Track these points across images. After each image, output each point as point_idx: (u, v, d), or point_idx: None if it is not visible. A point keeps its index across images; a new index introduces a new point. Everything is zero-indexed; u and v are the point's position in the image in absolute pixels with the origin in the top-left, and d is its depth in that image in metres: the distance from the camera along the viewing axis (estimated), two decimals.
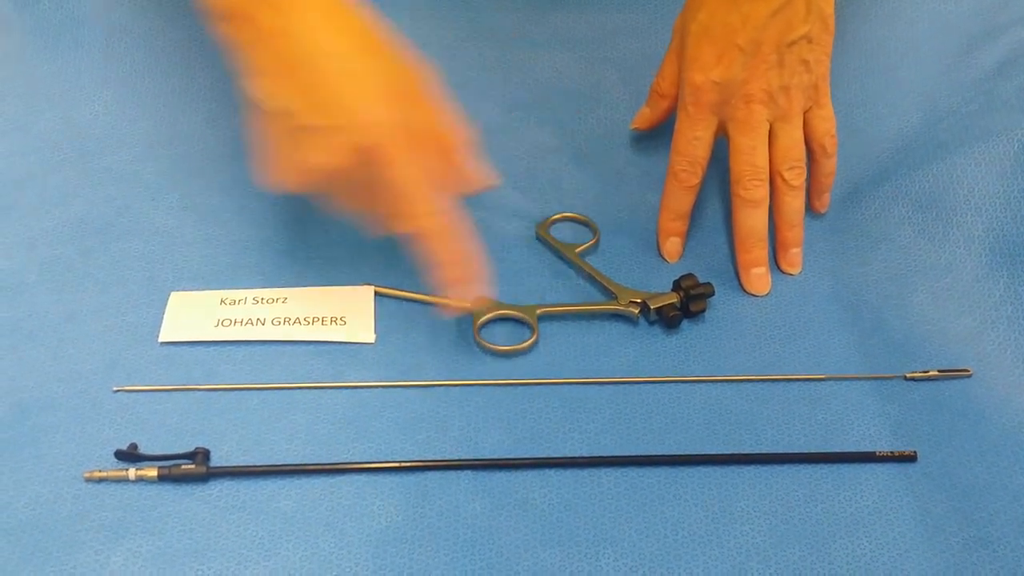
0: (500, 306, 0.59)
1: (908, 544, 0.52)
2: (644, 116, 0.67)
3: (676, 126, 0.62)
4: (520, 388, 0.57)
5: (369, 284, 0.61)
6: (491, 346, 0.58)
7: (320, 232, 0.64)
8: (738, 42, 0.59)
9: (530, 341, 0.58)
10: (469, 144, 0.55)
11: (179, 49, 0.71)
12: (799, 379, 0.58)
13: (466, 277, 0.54)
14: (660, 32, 0.73)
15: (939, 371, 0.58)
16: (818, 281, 0.63)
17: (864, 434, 0.56)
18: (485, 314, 0.59)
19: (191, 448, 0.52)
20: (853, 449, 0.55)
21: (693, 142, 0.61)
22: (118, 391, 0.55)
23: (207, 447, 0.53)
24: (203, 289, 0.60)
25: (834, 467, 0.55)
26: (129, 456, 0.52)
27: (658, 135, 0.70)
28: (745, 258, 0.62)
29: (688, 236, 0.65)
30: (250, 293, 0.60)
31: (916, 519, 0.53)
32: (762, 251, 0.62)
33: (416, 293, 0.60)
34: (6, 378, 0.56)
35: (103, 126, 0.68)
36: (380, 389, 0.56)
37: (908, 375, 0.58)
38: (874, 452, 0.55)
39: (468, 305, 0.58)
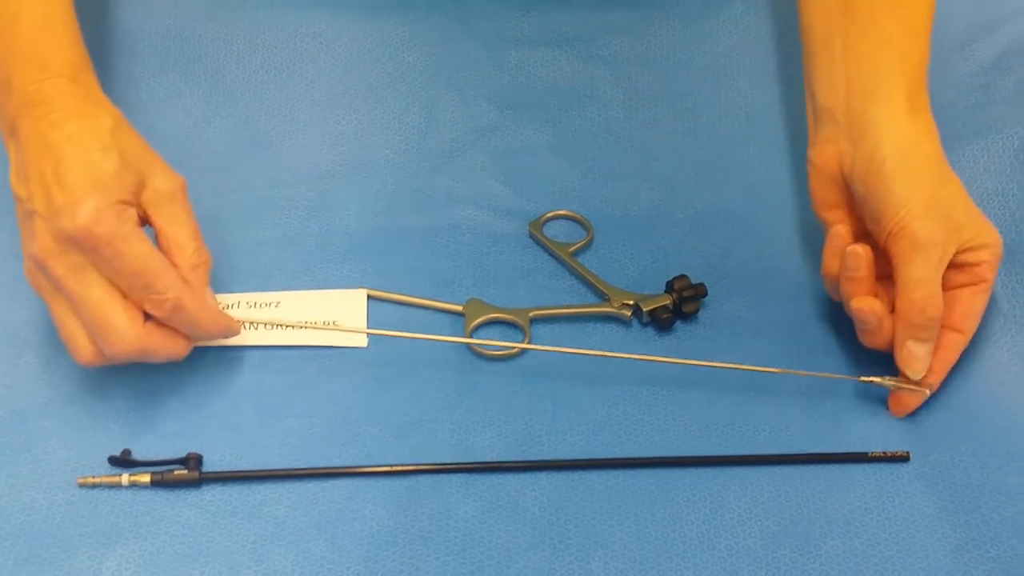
0: (493, 309, 0.59)
1: (900, 545, 0.52)
2: (928, 355, 0.56)
3: (983, 300, 0.56)
4: (512, 391, 0.57)
5: (362, 287, 0.61)
6: (483, 350, 0.58)
7: (314, 234, 0.64)
8: (946, 194, 0.55)
9: (522, 345, 0.58)
10: (198, 267, 0.53)
11: (169, 52, 0.71)
12: (791, 376, 0.58)
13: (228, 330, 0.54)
14: (652, 30, 0.73)
15: (892, 379, 0.56)
16: (811, 281, 0.63)
17: (857, 434, 0.56)
18: (477, 317, 0.59)
19: (184, 453, 0.53)
20: (846, 449, 0.55)
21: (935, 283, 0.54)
22: (112, 396, 0.55)
23: (200, 452, 0.53)
24: None
25: (826, 468, 0.55)
26: (122, 462, 0.52)
27: (650, 134, 0.69)
28: None
29: (683, 235, 0.65)
30: (243, 297, 0.60)
31: (909, 520, 0.53)
32: None
33: (409, 296, 0.60)
34: (1, 384, 0.56)
35: None
36: (372, 393, 0.56)
37: (861, 378, 0.57)
38: (867, 452, 0.55)
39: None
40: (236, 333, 0.55)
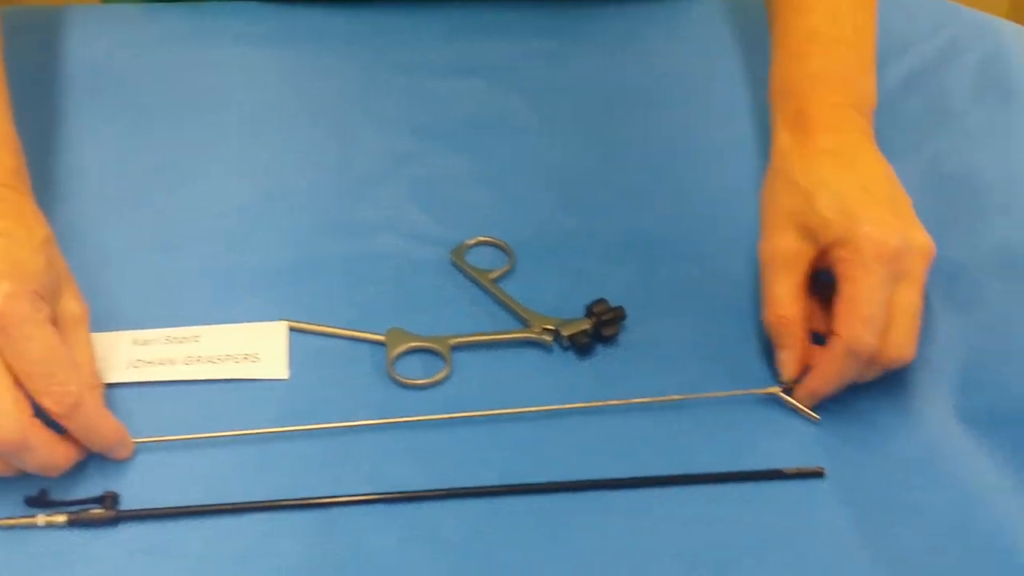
0: (414, 338, 0.60)
1: (814, 562, 0.53)
2: (790, 357, 0.58)
3: (851, 294, 0.55)
4: (433, 419, 0.57)
5: (283, 319, 0.61)
6: (405, 380, 0.58)
7: (233, 266, 0.63)
8: (881, 197, 0.57)
9: (443, 373, 0.59)
10: (95, 388, 0.54)
11: (88, 83, 0.71)
12: (709, 397, 0.59)
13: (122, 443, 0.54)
14: (569, 58, 0.74)
15: (782, 389, 0.58)
16: (729, 301, 0.64)
17: (773, 451, 0.57)
18: (397, 347, 0.59)
19: (101, 492, 0.52)
20: (762, 467, 0.56)
21: (878, 305, 0.54)
22: None
23: (117, 490, 0.53)
24: (114, 330, 0.60)
25: (742, 486, 0.55)
26: (39, 502, 0.52)
27: (569, 160, 0.70)
28: None
29: (603, 259, 0.65)
30: (163, 332, 0.60)
31: (823, 536, 0.54)
32: None
33: (330, 327, 0.60)
34: None
35: None
36: (293, 425, 0.56)
37: (760, 391, 0.59)
38: (781, 469, 0.56)
39: None
40: (129, 452, 0.54)
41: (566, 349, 0.61)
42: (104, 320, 0.60)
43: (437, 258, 0.65)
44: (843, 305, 0.55)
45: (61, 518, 0.51)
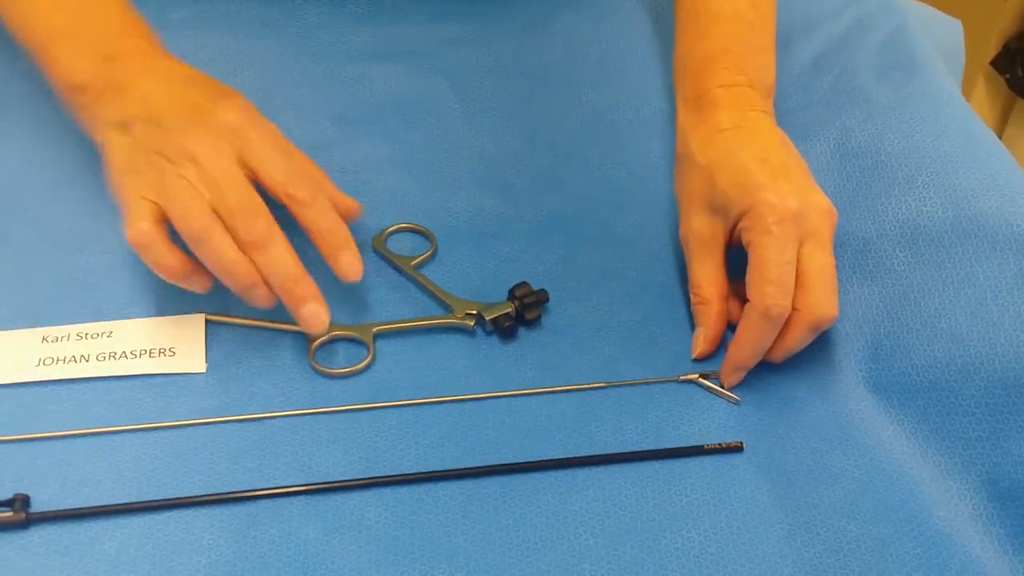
0: (335, 327, 0.59)
1: (735, 533, 0.53)
2: (702, 337, 0.60)
3: (758, 258, 0.56)
4: (356, 408, 0.57)
5: (201, 311, 0.59)
6: (326, 369, 0.58)
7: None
8: (778, 166, 0.58)
9: (365, 362, 0.58)
10: None
11: None
12: (629, 384, 0.59)
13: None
14: (488, 40, 0.74)
15: (700, 374, 0.60)
16: (650, 281, 0.65)
17: (695, 430, 0.58)
18: (320, 336, 0.59)
19: (10, 494, 0.51)
20: (684, 444, 0.57)
21: (784, 267, 0.55)
22: None
23: (27, 492, 0.51)
24: (23, 327, 0.58)
25: (665, 463, 0.56)
26: None
27: (490, 143, 0.70)
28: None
29: (525, 242, 0.66)
30: (73, 329, 0.58)
31: (743, 508, 0.55)
32: None
33: (249, 319, 0.59)
34: None
35: None
36: (210, 418, 0.55)
37: (680, 378, 0.60)
38: (702, 445, 0.57)
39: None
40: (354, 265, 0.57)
41: (489, 333, 0.61)
42: (13, 318, 0.58)
43: (358, 246, 0.64)
44: (751, 272, 0.57)
45: None
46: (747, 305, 0.57)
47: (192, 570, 0.50)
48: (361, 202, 0.66)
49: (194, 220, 0.52)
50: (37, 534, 0.50)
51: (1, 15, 0.61)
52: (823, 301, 0.57)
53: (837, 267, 0.59)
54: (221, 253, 0.53)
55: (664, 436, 0.57)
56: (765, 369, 0.60)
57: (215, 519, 0.52)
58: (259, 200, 0.54)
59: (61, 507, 0.51)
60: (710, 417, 0.58)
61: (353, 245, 0.56)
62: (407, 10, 0.74)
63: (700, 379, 0.60)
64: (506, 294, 0.61)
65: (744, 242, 0.58)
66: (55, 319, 0.58)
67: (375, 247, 0.64)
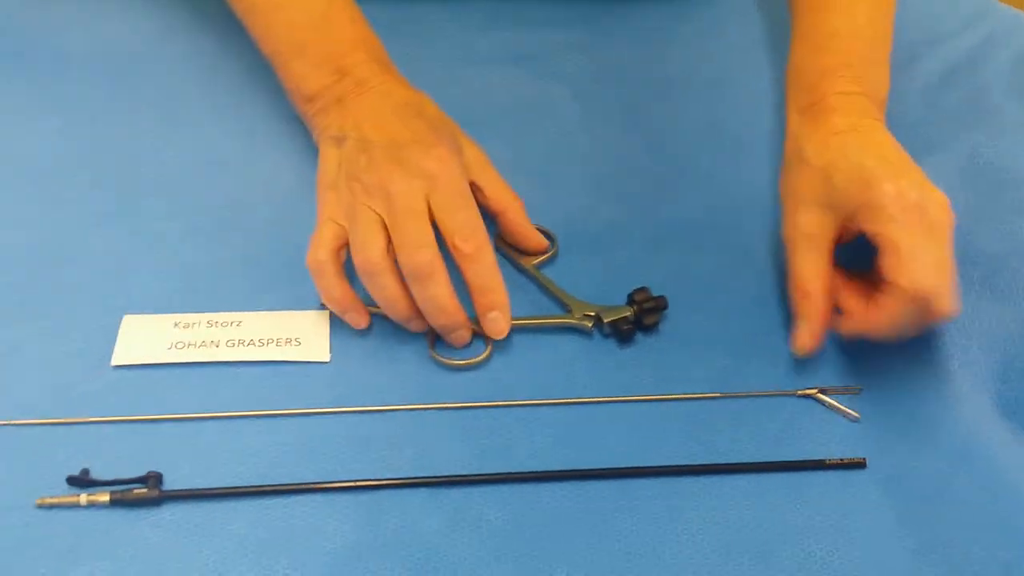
0: None
1: (857, 551, 0.52)
2: (806, 331, 0.59)
3: (891, 242, 0.55)
4: (474, 403, 0.57)
5: (325, 308, 0.61)
6: (445, 360, 0.58)
7: (275, 253, 0.64)
8: (896, 166, 0.58)
9: (484, 355, 0.59)
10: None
11: (127, 73, 0.71)
12: (745, 396, 0.59)
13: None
14: (608, 48, 0.74)
15: (819, 389, 0.59)
16: (769, 292, 0.64)
17: (813, 445, 0.57)
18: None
19: (144, 472, 0.52)
20: (803, 457, 0.56)
21: (919, 248, 0.55)
22: (71, 415, 0.55)
23: (160, 471, 0.53)
24: (157, 313, 0.60)
25: (784, 476, 0.55)
26: (81, 481, 0.52)
27: (608, 149, 0.70)
28: None
29: (643, 249, 0.66)
30: (204, 317, 0.60)
31: (866, 526, 0.54)
32: None
33: (371, 307, 0.60)
34: None
35: (51, 152, 0.68)
36: (334, 408, 0.56)
37: (798, 392, 0.59)
38: (824, 460, 0.56)
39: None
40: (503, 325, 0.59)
41: (606, 336, 0.61)
42: (148, 304, 0.60)
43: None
44: (887, 257, 0.55)
45: (104, 497, 0.51)
46: (889, 286, 0.55)
47: (318, 554, 0.50)
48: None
49: (369, 253, 0.56)
50: (169, 512, 0.52)
51: (243, 24, 0.67)
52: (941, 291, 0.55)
53: (966, 286, 0.57)
54: (385, 288, 0.57)
55: (780, 450, 0.57)
56: (888, 387, 0.59)
57: (340, 506, 0.52)
58: (431, 237, 0.57)
59: (191, 487, 0.53)
60: (829, 433, 0.57)
61: (505, 306, 0.58)
62: (528, 16, 0.75)
63: (819, 394, 0.59)
64: (622, 300, 0.61)
65: (869, 233, 0.57)
66: (187, 308, 0.60)
67: (497, 245, 0.65)
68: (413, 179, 0.57)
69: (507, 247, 0.64)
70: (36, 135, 0.68)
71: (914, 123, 0.69)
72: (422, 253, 0.56)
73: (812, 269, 0.59)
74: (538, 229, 0.66)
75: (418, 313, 0.58)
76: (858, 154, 0.59)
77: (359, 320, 0.59)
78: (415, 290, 0.56)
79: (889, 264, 0.55)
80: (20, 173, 0.67)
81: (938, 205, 0.57)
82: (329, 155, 0.61)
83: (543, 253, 0.63)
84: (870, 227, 0.57)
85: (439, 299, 0.56)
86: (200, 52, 0.71)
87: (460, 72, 0.72)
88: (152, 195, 0.66)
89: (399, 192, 0.57)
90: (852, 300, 0.59)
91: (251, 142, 0.69)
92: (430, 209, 0.57)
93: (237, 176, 0.67)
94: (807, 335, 0.59)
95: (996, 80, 0.68)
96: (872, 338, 0.57)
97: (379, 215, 0.57)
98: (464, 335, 0.59)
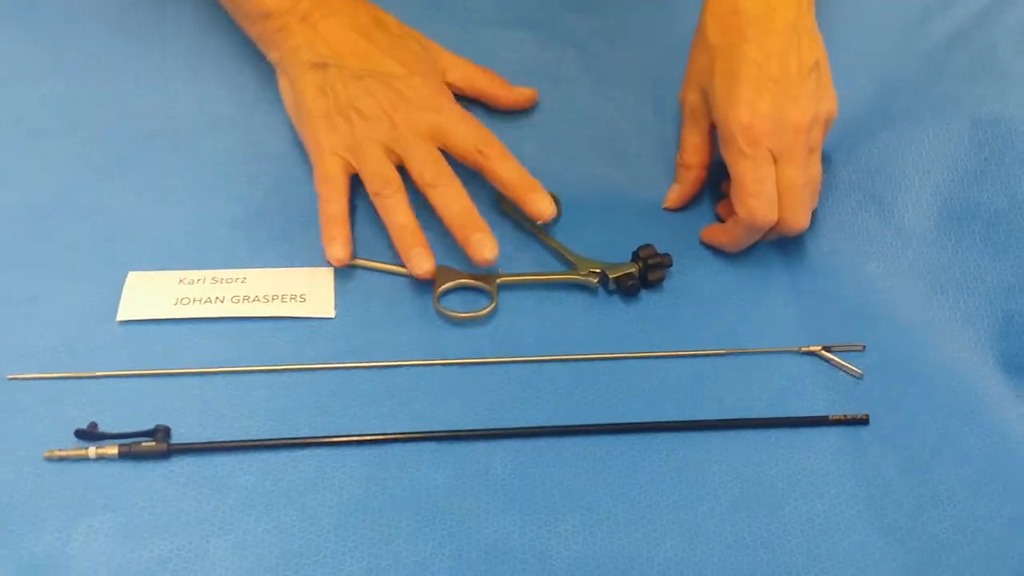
0: (460, 275, 0.60)
1: (861, 505, 0.53)
2: (676, 193, 0.66)
3: (737, 175, 0.59)
4: (480, 358, 0.57)
5: (330, 265, 0.60)
6: (450, 313, 0.59)
7: (277, 210, 0.63)
8: (771, 74, 0.58)
9: (488, 308, 0.59)
10: None
11: (132, 33, 0.71)
12: (750, 352, 0.59)
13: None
14: (618, 9, 0.74)
15: (823, 346, 0.59)
16: (773, 251, 0.64)
17: (816, 401, 0.57)
18: (445, 283, 0.59)
19: (151, 426, 0.53)
20: (807, 413, 0.56)
21: (763, 181, 0.59)
22: (79, 369, 0.55)
23: (168, 424, 0.53)
24: (162, 270, 0.60)
25: (789, 432, 0.56)
26: (89, 435, 0.52)
27: (617, 112, 0.70)
28: None
29: (649, 211, 0.66)
30: (209, 273, 0.60)
31: (868, 480, 0.54)
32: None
33: (377, 262, 0.60)
34: None
35: (54, 109, 0.67)
36: (340, 362, 0.56)
37: (802, 349, 0.59)
38: (827, 416, 0.56)
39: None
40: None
41: (611, 293, 0.61)
42: (153, 260, 0.60)
43: (483, 206, 0.64)
44: (735, 188, 0.60)
45: (112, 450, 0.52)
46: (733, 217, 0.61)
47: (325, 507, 0.51)
48: None
49: (388, 176, 0.60)
50: (177, 464, 0.52)
51: None
52: (790, 217, 0.60)
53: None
54: (398, 210, 0.59)
55: (785, 406, 0.57)
56: (890, 344, 0.59)
57: (347, 460, 0.53)
58: (440, 155, 0.60)
59: (199, 440, 0.53)
60: (833, 389, 0.58)
61: (542, 188, 0.60)
62: None
63: (823, 351, 0.59)
64: (628, 260, 0.61)
65: (723, 157, 0.60)
66: (192, 264, 0.60)
67: (502, 208, 0.64)
68: (414, 109, 0.60)
69: (511, 210, 0.64)
70: (39, 92, 0.68)
71: (923, 82, 0.68)
72: (439, 164, 0.60)
73: (693, 143, 0.65)
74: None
75: (425, 242, 0.59)
76: (740, 51, 0.59)
77: (424, 259, 0.58)
78: (435, 196, 0.59)
79: (733, 193, 0.60)
80: (22, 131, 0.66)
81: (793, 130, 0.59)
82: (308, 80, 0.62)
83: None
84: (724, 153, 0.60)
85: (460, 198, 0.59)
86: (203, 9, 0.71)
87: (467, 34, 0.71)
88: (156, 151, 0.65)
89: (403, 120, 0.60)
90: (723, 211, 0.65)
91: (256, 98, 0.68)
92: (437, 131, 0.61)
93: (241, 132, 0.67)
94: (677, 198, 0.66)
95: (1003, 38, 0.68)
96: (726, 250, 0.63)
97: (385, 143, 0.60)
98: (486, 240, 0.58)
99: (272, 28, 0.63)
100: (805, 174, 0.59)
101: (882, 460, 0.55)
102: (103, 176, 0.64)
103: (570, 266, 0.61)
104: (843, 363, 0.59)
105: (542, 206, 0.59)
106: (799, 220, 0.60)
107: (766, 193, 0.59)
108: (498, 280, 0.60)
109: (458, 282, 0.60)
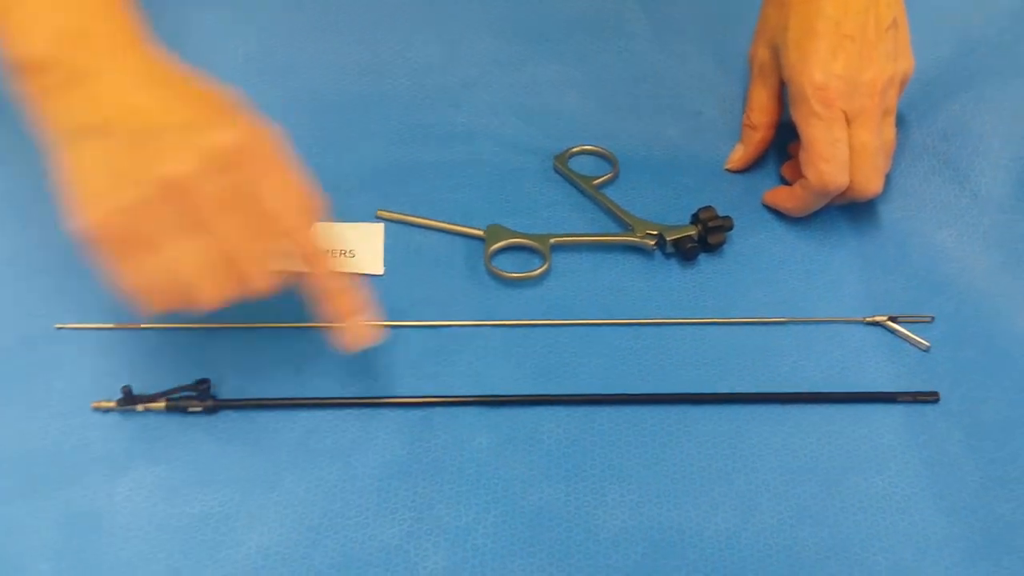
0: (513, 234, 0.58)
1: (923, 483, 0.51)
2: (739, 154, 0.63)
3: (808, 137, 0.57)
4: (530, 321, 0.56)
5: (379, 210, 0.59)
6: (502, 273, 0.57)
7: (331, 166, 0.62)
8: (847, 31, 0.56)
9: (542, 269, 0.57)
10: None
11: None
12: (812, 321, 0.57)
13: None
14: None
15: (889, 317, 0.57)
16: (840, 216, 0.61)
17: (880, 373, 0.55)
18: (497, 242, 0.58)
19: (196, 379, 0.52)
20: (870, 387, 0.54)
21: (836, 144, 0.56)
22: (126, 328, 0.55)
23: (213, 379, 0.52)
24: None
25: (850, 407, 0.54)
26: (128, 400, 0.51)
27: (678, 67, 0.68)
28: None
29: (709, 171, 0.63)
30: None
31: (933, 458, 0.52)
32: None
33: (427, 219, 0.59)
34: (15, 308, 0.55)
35: None
36: (388, 321, 0.55)
37: (866, 319, 0.57)
38: (896, 394, 0.54)
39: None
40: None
41: (668, 256, 0.59)
42: None
43: (538, 165, 0.63)
44: (805, 151, 0.58)
45: (159, 404, 0.52)
46: (801, 180, 0.58)
47: (369, 466, 0.50)
48: (541, 122, 0.65)
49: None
50: (223, 420, 0.52)
51: None
52: (862, 180, 0.57)
53: None
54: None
55: (847, 378, 0.55)
56: (960, 317, 0.56)
57: (392, 421, 0.52)
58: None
59: (242, 396, 0.52)
60: (898, 361, 0.55)
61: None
62: None
63: (888, 322, 0.57)
64: (685, 222, 0.59)
65: (793, 117, 0.58)
66: None
67: (557, 166, 0.63)
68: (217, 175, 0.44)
69: (567, 168, 0.62)
70: None
71: (1006, 42, 0.65)
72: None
73: (760, 102, 0.62)
74: (600, 152, 0.64)
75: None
76: (818, 13, 0.57)
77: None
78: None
79: (803, 155, 0.58)
80: None
81: (868, 91, 0.56)
82: (84, 156, 0.44)
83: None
84: (794, 114, 0.58)
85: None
86: None
87: None
88: None
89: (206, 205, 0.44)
90: (789, 173, 0.63)
91: (308, 50, 0.67)
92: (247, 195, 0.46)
93: (286, 86, 0.66)
94: (741, 159, 0.63)
95: None
96: (791, 215, 0.61)
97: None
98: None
99: (44, 88, 0.43)
100: (879, 137, 0.57)
101: (948, 437, 0.53)
102: None
103: (626, 227, 0.59)
104: (909, 334, 0.56)
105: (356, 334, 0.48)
106: (872, 185, 0.57)
107: (838, 157, 0.56)
108: (552, 241, 0.58)
109: (510, 241, 0.58)
